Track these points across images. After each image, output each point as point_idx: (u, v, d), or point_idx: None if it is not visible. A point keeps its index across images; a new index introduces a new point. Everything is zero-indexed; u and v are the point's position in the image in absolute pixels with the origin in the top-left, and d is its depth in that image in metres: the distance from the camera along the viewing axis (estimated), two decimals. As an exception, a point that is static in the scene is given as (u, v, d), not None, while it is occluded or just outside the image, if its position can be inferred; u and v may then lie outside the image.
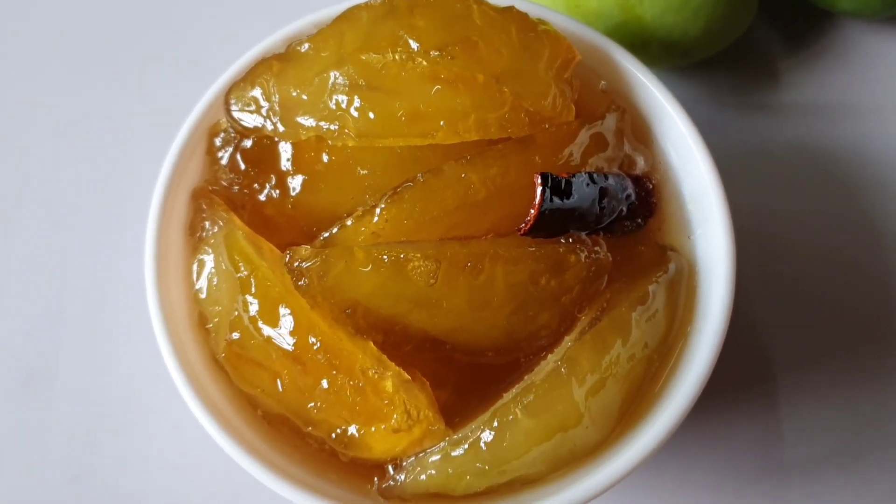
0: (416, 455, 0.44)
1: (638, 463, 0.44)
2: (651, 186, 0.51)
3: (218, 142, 0.49)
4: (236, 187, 0.48)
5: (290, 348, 0.43)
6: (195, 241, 0.49)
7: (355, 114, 0.45)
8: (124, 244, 0.63)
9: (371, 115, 0.45)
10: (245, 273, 0.44)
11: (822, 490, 0.58)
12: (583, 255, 0.45)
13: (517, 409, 0.42)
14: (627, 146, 0.52)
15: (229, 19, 0.71)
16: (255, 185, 0.48)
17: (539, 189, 0.45)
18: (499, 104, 0.46)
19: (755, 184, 0.67)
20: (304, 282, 0.42)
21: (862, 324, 0.61)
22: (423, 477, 0.43)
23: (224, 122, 0.50)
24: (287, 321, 0.43)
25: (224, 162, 0.49)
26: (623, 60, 0.52)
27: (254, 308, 0.43)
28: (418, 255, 0.42)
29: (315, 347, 0.42)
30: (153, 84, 0.69)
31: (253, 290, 0.43)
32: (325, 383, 0.42)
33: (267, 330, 0.43)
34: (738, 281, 0.49)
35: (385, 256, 0.42)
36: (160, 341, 0.46)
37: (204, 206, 0.48)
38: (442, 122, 0.45)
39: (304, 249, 0.42)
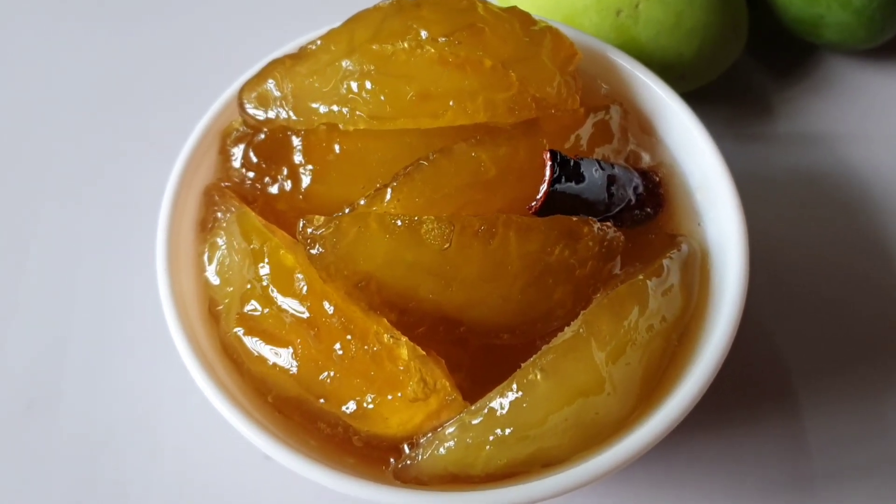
0: (433, 431, 0.42)
1: (659, 434, 0.42)
2: (658, 179, 0.52)
3: (230, 141, 0.50)
4: (248, 182, 0.49)
5: (304, 314, 0.42)
6: (207, 236, 0.49)
7: (366, 97, 0.46)
8: (134, 264, 0.63)
9: (382, 97, 0.46)
10: (257, 245, 0.44)
11: (852, 501, 0.55)
12: (595, 227, 0.45)
13: (536, 372, 0.41)
14: (632, 142, 0.53)
15: (244, 31, 0.75)
16: (267, 179, 0.49)
17: (549, 165, 0.46)
18: (506, 86, 0.47)
19: (755, 208, 0.68)
20: (318, 249, 0.42)
21: (880, 334, 0.60)
22: (441, 450, 0.41)
23: (236, 123, 0.51)
24: (301, 287, 0.42)
25: (236, 158, 0.49)
26: (621, 61, 0.54)
27: (267, 277, 0.43)
28: (432, 217, 0.42)
29: (329, 312, 0.42)
30: (167, 91, 0.72)
31: (266, 259, 0.43)
32: (338, 348, 0.41)
33: (280, 298, 0.43)
34: (749, 298, 0.49)
35: (398, 221, 0.42)
36: (173, 331, 0.45)
37: (216, 198, 0.48)
38: (451, 103, 0.46)
39: (317, 218, 0.42)
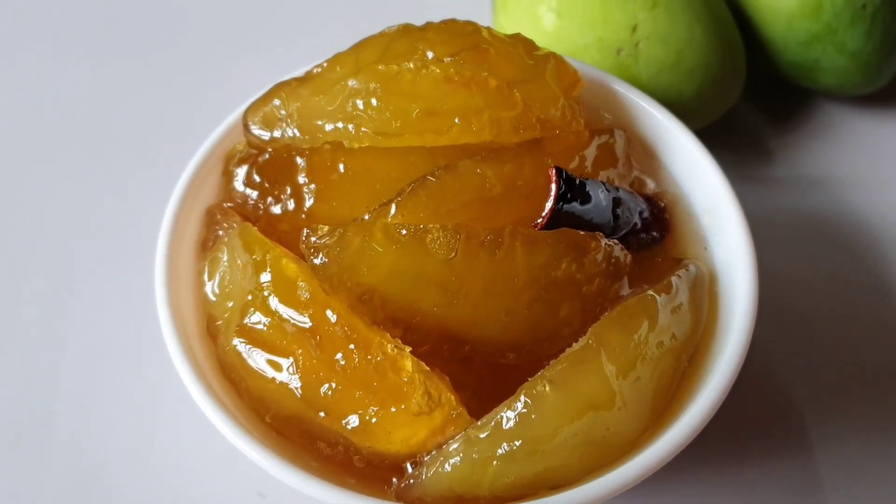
0: (438, 448, 0.41)
1: (669, 453, 0.40)
2: (663, 205, 0.52)
3: (234, 162, 0.50)
4: (251, 202, 0.49)
5: (306, 323, 0.41)
6: (207, 254, 0.48)
7: (372, 113, 0.46)
8: (133, 286, 0.62)
9: (387, 113, 0.46)
10: (259, 255, 0.43)
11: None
12: (602, 242, 0.44)
13: (545, 383, 0.40)
14: (636, 168, 0.53)
15: (250, 59, 0.77)
16: (270, 199, 0.48)
17: (554, 181, 0.46)
18: (511, 105, 0.47)
19: (758, 249, 0.68)
20: (321, 259, 0.41)
21: (886, 371, 0.59)
22: (446, 468, 0.40)
23: (240, 146, 0.51)
24: (303, 295, 0.41)
25: (239, 179, 0.49)
26: (623, 91, 0.54)
27: (268, 285, 0.42)
28: (437, 226, 0.41)
29: (332, 321, 0.41)
30: (171, 114, 0.73)
31: (268, 268, 0.42)
32: (340, 358, 0.40)
33: (282, 307, 0.42)
34: (756, 338, 0.48)
35: (403, 230, 0.41)
36: (171, 350, 0.44)
37: (218, 217, 0.48)
38: (456, 120, 0.46)
39: (321, 227, 0.42)
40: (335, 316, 0.41)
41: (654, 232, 0.50)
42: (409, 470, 0.41)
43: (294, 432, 0.43)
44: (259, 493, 0.54)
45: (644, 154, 0.54)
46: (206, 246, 0.48)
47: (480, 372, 0.45)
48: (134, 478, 0.55)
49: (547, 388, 0.39)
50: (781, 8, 0.65)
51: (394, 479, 0.42)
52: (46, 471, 0.55)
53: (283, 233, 0.49)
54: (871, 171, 0.71)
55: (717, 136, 0.71)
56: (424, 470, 0.40)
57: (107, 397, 0.58)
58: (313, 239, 0.41)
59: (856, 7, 0.64)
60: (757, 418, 0.57)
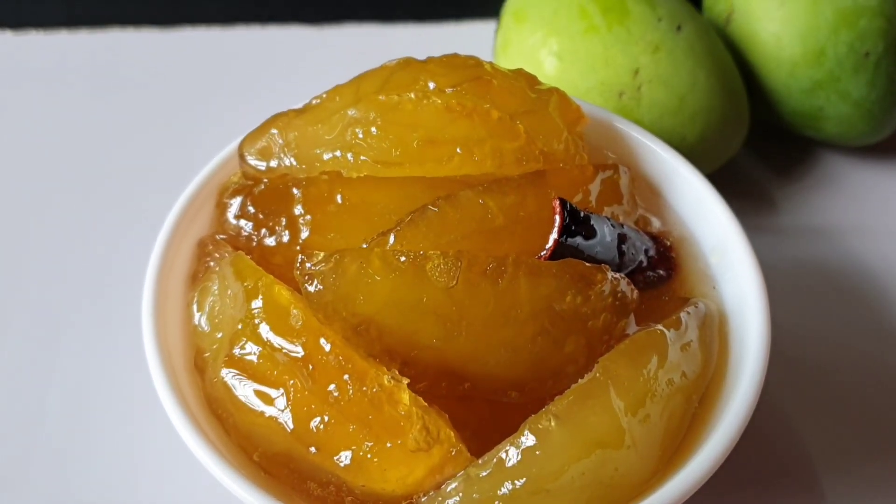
0: (435, 489, 0.38)
1: (680, 496, 0.38)
2: (669, 244, 0.51)
3: (228, 194, 0.48)
4: (244, 234, 0.47)
5: (298, 353, 0.39)
6: (197, 285, 0.46)
7: (371, 142, 0.45)
8: (120, 322, 0.59)
9: (387, 142, 0.45)
10: (251, 283, 0.41)
11: None
12: (609, 275, 0.43)
13: (550, 418, 0.37)
14: (641, 207, 0.52)
15: (247, 93, 0.76)
16: (264, 231, 0.47)
17: (558, 213, 0.44)
18: (513, 136, 0.46)
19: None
20: (316, 286, 0.39)
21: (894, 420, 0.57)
22: (444, 509, 0.37)
23: (236, 177, 0.50)
24: (296, 323, 0.39)
25: (233, 210, 0.48)
26: (627, 129, 0.53)
27: (259, 313, 0.40)
28: (438, 253, 0.39)
29: (326, 350, 0.39)
30: (168, 147, 0.72)
31: (260, 295, 0.41)
32: (333, 390, 0.38)
33: (273, 336, 0.40)
34: (766, 389, 0.46)
35: (402, 257, 0.39)
36: (157, 385, 0.42)
37: (210, 248, 0.46)
38: (458, 150, 0.45)
39: (317, 253, 0.40)
40: (329, 345, 0.39)
41: (661, 270, 0.49)
42: (405, 512, 0.39)
43: (283, 471, 0.40)
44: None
45: (649, 192, 0.53)
46: (197, 278, 0.47)
47: (481, 411, 0.43)
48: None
49: (552, 424, 0.37)
50: (784, 56, 0.65)
51: (388, 522, 0.39)
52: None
53: (277, 266, 0.47)
54: (876, 222, 0.70)
55: (720, 185, 0.70)
56: (421, 512, 0.38)
57: (91, 433, 0.55)
58: (308, 265, 0.39)
59: (859, 55, 0.64)
60: (768, 471, 0.55)
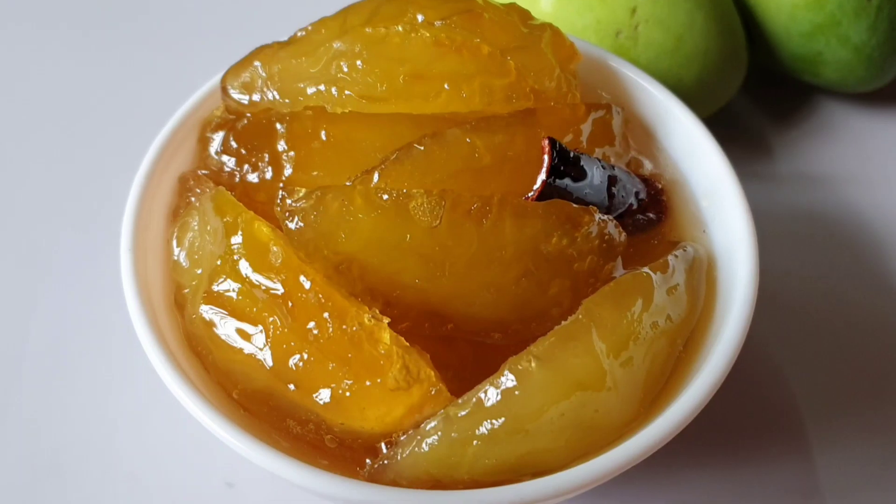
0: (415, 428, 0.38)
1: (660, 438, 0.38)
2: (660, 186, 0.50)
3: (210, 128, 0.47)
4: (227, 170, 0.46)
5: (277, 290, 0.38)
6: (177, 220, 0.45)
7: (356, 76, 0.44)
8: (100, 258, 0.59)
9: (372, 77, 0.44)
10: (231, 218, 0.40)
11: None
12: (597, 217, 0.42)
13: (531, 359, 0.37)
14: (633, 149, 0.51)
15: (232, 24, 0.75)
16: (247, 167, 0.46)
17: (547, 153, 0.43)
18: (504, 73, 0.45)
19: (759, 243, 0.66)
20: (297, 223, 0.38)
21: (885, 369, 0.57)
22: (423, 448, 0.37)
23: (219, 111, 0.48)
24: (276, 260, 0.39)
25: (215, 145, 0.46)
26: (622, 68, 0.52)
27: (239, 248, 0.39)
28: (421, 191, 0.39)
29: (306, 287, 0.38)
30: (149, 79, 0.70)
31: (239, 231, 0.40)
32: (313, 327, 0.38)
33: (252, 272, 0.39)
34: (754, 333, 0.46)
35: (385, 195, 0.39)
36: (135, 321, 0.42)
37: (191, 183, 0.45)
38: (446, 85, 0.44)
39: (298, 189, 0.39)
40: (309, 282, 0.38)
41: (651, 213, 0.48)
42: (384, 450, 0.39)
43: (262, 409, 0.40)
44: (227, 482, 0.51)
45: (642, 134, 0.52)
46: (178, 214, 0.46)
47: (463, 352, 0.42)
48: (92, 467, 0.51)
49: (533, 365, 0.37)
50: (785, -3, 0.63)
51: (367, 461, 0.39)
52: (0, 454, 0.52)
53: (260, 203, 0.46)
54: (872, 169, 0.69)
55: (716, 130, 0.69)
56: (400, 450, 0.38)
57: (68, 375, 0.55)
58: (289, 201, 0.39)
59: (861, -2, 0.62)
60: (752, 415, 0.55)
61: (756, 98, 0.72)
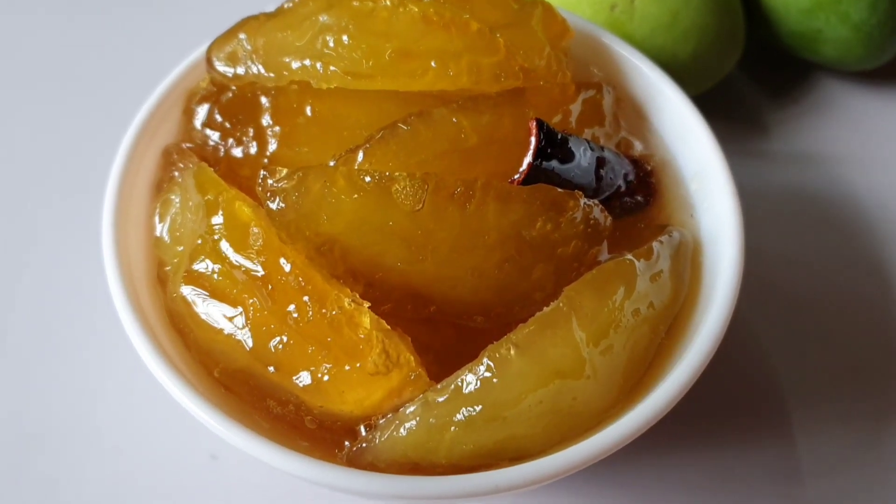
0: (394, 412, 0.38)
1: (641, 425, 0.38)
2: (650, 168, 0.49)
3: (195, 100, 0.46)
4: (211, 144, 0.45)
5: (257, 272, 0.38)
6: (160, 195, 0.45)
7: (342, 52, 0.43)
8: (83, 232, 0.58)
9: (359, 52, 0.43)
10: (212, 196, 0.40)
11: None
12: (582, 202, 0.41)
13: (510, 347, 0.37)
14: (624, 129, 0.50)
15: None
16: (231, 141, 0.45)
17: (534, 134, 0.43)
18: (492, 51, 0.44)
19: (748, 224, 0.65)
20: (279, 204, 0.38)
21: (871, 353, 0.57)
22: (401, 432, 0.37)
23: (204, 83, 0.47)
24: (256, 241, 0.38)
25: (200, 118, 0.46)
26: (615, 46, 0.51)
27: (220, 229, 0.39)
28: (404, 174, 0.38)
29: (286, 270, 0.38)
30: (135, 49, 0.69)
31: (220, 210, 0.39)
32: (293, 310, 0.37)
33: (232, 253, 0.39)
34: (741, 315, 0.45)
35: (367, 177, 0.38)
36: (115, 297, 0.41)
37: (175, 157, 0.45)
38: (433, 63, 0.43)
39: (280, 169, 0.38)
40: (290, 265, 0.38)
41: (639, 196, 0.48)
42: (363, 433, 0.39)
43: (243, 388, 0.40)
44: (211, 454, 0.51)
45: (633, 114, 0.51)
46: (162, 188, 0.45)
47: (446, 334, 0.42)
48: (77, 439, 0.52)
49: (512, 352, 0.37)
50: (785, -28, 0.62)
51: (346, 443, 0.39)
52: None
53: (245, 178, 0.45)
54: (868, 150, 0.68)
55: (712, 106, 0.68)
56: (378, 434, 0.38)
57: (52, 347, 0.55)
58: (270, 182, 0.38)
59: (863, -26, 0.61)
60: (737, 399, 0.55)
61: (754, 74, 0.71)
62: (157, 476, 0.51)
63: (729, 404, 0.54)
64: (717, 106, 0.69)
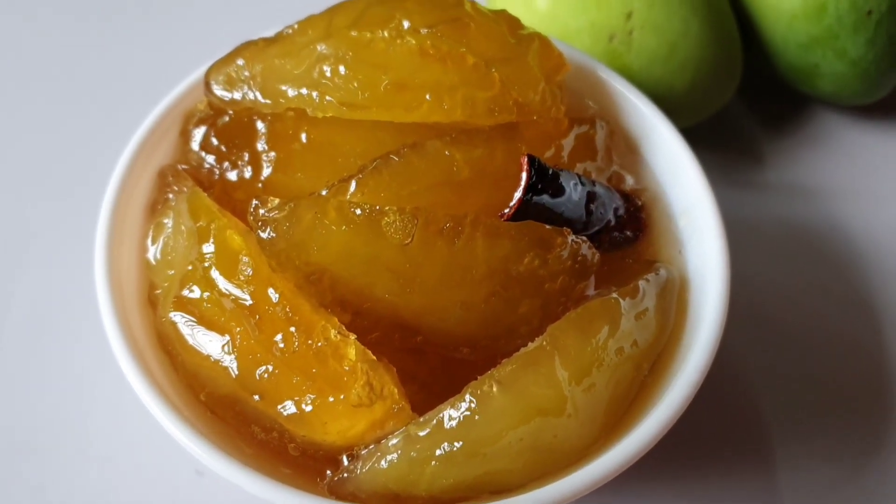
0: (376, 443, 0.39)
1: (621, 463, 0.38)
2: (640, 203, 0.50)
3: (192, 123, 0.47)
4: (207, 166, 0.46)
5: (246, 301, 0.39)
6: (154, 217, 0.45)
7: (339, 82, 0.44)
8: (77, 250, 0.58)
9: (355, 83, 0.44)
10: (204, 223, 0.41)
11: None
12: (569, 239, 0.42)
13: (493, 384, 0.37)
14: (616, 163, 0.51)
15: (220, 17, 0.73)
16: (227, 164, 0.46)
17: (525, 170, 0.43)
18: (487, 85, 0.45)
19: (737, 254, 0.66)
20: (269, 233, 0.38)
21: (857, 390, 0.57)
22: (382, 464, 0.37)
23: (202, 105, 0.48)
24: (245, 271, 0.39)
25: (196, 141, 0.46)
26: (611, 80, 0.51)
27: (210, 257, 0.40)
28: (394, 209, 0.39)
29: (273, 300, 0.38)
30: (135, 69, 0.70)
31: (211, 238, 0.40)
32: (279, 340, 0.38)
33: (222, 281, 0.39)
34: (729, 348, 0.45)
35: (358, 210, 0.39)
36: (104, 317, 0.42)
37: (170, 179, 0.45)
38: (428, 96, 0.44)
39: (272, 199, 0.39)
40: (277, 295, 0.38)
41: (629, 231, 0.48)
42: (346, 462, 0.39)
43: (228, 413, 0.40)
44: (197, 470, 0.52)
45: (626, 148, 0.51)
46: (156, 209, 0.46)
47: (432, 364, 0.43)
48: (66, 452, 0.52)
49: (494, 389, 0.37)
50: (783, 7, 0.63)
51: (328, 472, 0.39)
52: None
53: (239, 201, 0.46)
54: (862, 185, 0.68)
55: (708, 136, 0.69)
56: (360, 464, 0.38)
57: (43, 360, 0.55)
58: (262, 211, 0.39)
59: (860, 13, 0.61)
60: (720, 432, 0.55)
61: (751, 105, 0.72)
62: (142, 490, 0.52)
63: (712, 437, 0.55)
64: (713, 136, 0.70)
